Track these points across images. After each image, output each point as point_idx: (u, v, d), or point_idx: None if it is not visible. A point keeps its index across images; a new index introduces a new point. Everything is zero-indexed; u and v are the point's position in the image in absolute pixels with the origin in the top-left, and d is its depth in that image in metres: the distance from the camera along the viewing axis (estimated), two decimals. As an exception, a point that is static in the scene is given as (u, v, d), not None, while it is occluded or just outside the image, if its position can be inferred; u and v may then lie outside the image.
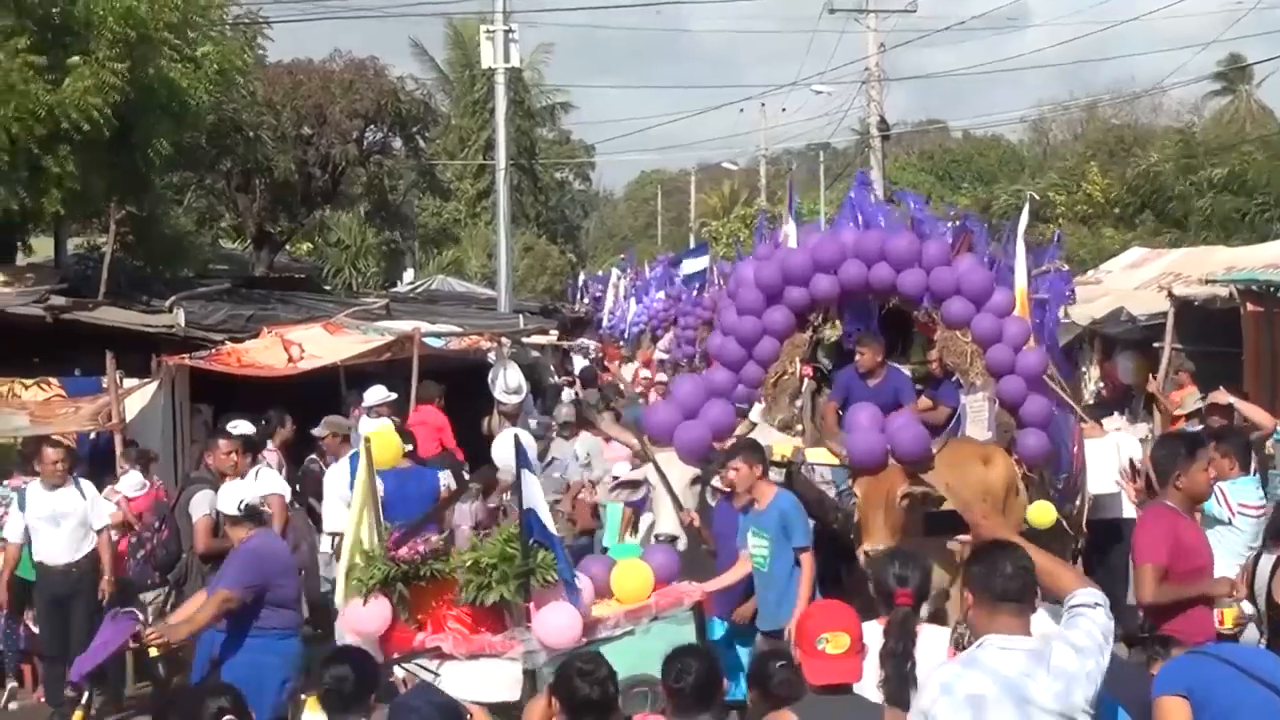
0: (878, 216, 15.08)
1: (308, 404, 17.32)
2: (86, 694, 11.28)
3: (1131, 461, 14.74)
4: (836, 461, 11.79)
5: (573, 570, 9.37)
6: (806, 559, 11.07)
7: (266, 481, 14.14)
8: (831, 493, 12.21)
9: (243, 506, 10.77)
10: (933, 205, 18.15)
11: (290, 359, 18.10)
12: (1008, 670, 5.87)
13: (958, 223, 15.29)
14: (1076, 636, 5.98)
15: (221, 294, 22.98)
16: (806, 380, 13.78)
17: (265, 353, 18.36)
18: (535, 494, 9.51)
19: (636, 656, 7.71)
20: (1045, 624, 6.34)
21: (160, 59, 21.36)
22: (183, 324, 20.15)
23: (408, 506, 12.26)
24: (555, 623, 9.20)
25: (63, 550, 13.72)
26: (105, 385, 15.86)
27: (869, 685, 6.68)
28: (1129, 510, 14.50)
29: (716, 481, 11.92)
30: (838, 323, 14.56)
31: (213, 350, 18.71)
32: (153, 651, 10.31)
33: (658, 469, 12.11)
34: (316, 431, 16.53)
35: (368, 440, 10.53)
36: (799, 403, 13.44)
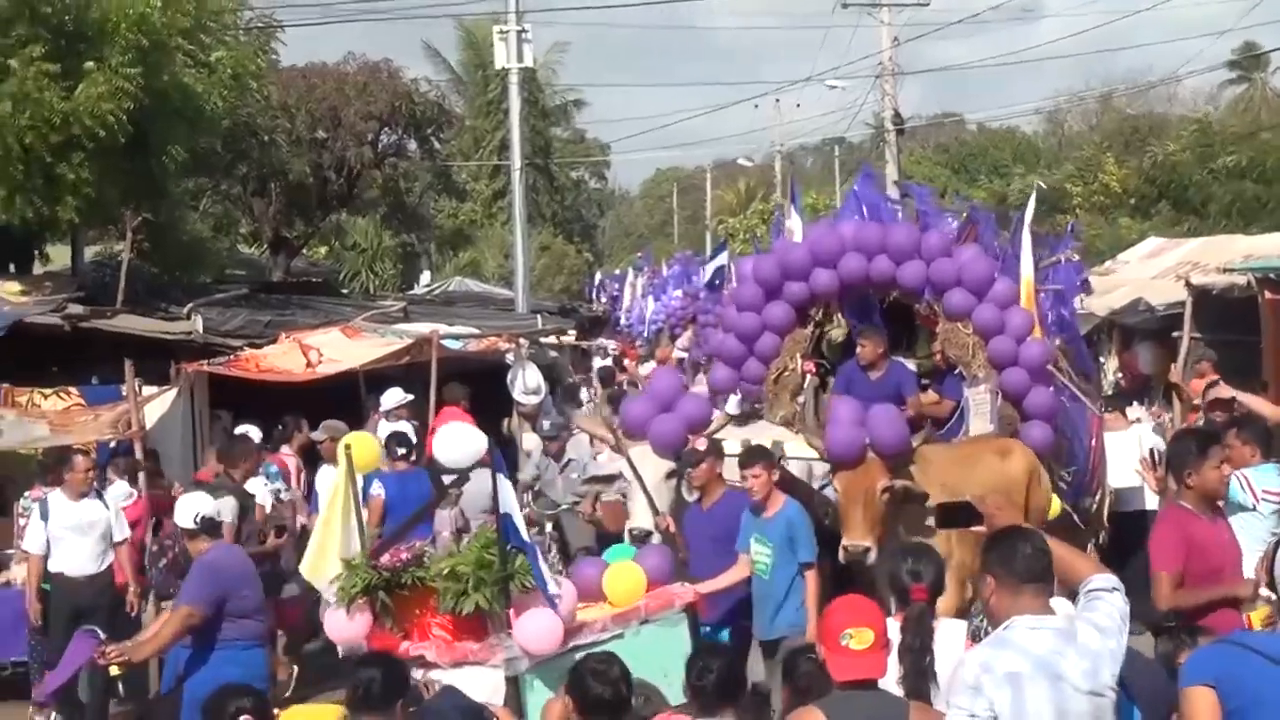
0: (881, 208, 14.96)
1: (327, 408, 17.33)
2: (53, 713, 11.29)
3: (1153, 451, 14.71)
4: (815, 455, 11.56)
5: (544, 577, 9.30)
6: (811, 575, 10.92)
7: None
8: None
9: (199, 519, 10.68)
10: (948, 198, 18.09)
11: (309, 364, 18.09)
12: (1039, 649, 5.90)
13: (964, 214, 15.18)
14: (1098, 617, 6.03)
15: (239, 300, 23.01)
16: (809, 376, 13.70)
17: (284, 358, 18.36)
18: (510, 499, 9.48)
19: (628, 660, 7.69)
20: (1064, 608, 6.35)
21: (174, 65, 21.38)
22: (201, 330, 20.18)
23: (408, 508, 12.29)
24: (535, 629, 9.20)
25: (88, 560, 13.70)
26: (124, 393, 15.87)
27: (890, 681, 6.66)
28: (1152, 502, 14.47)
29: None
30: (842, 319, 14.47)
31: (231, 356, 18.73)
32: (114, 670, 10.26)
33: (630, 464, 12.04)
34: (315, 435, 16.56)
35: (348, 446, 10.49)
36: (801, 399, 13.35)
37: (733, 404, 13.01)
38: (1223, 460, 9.29)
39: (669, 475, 11.96)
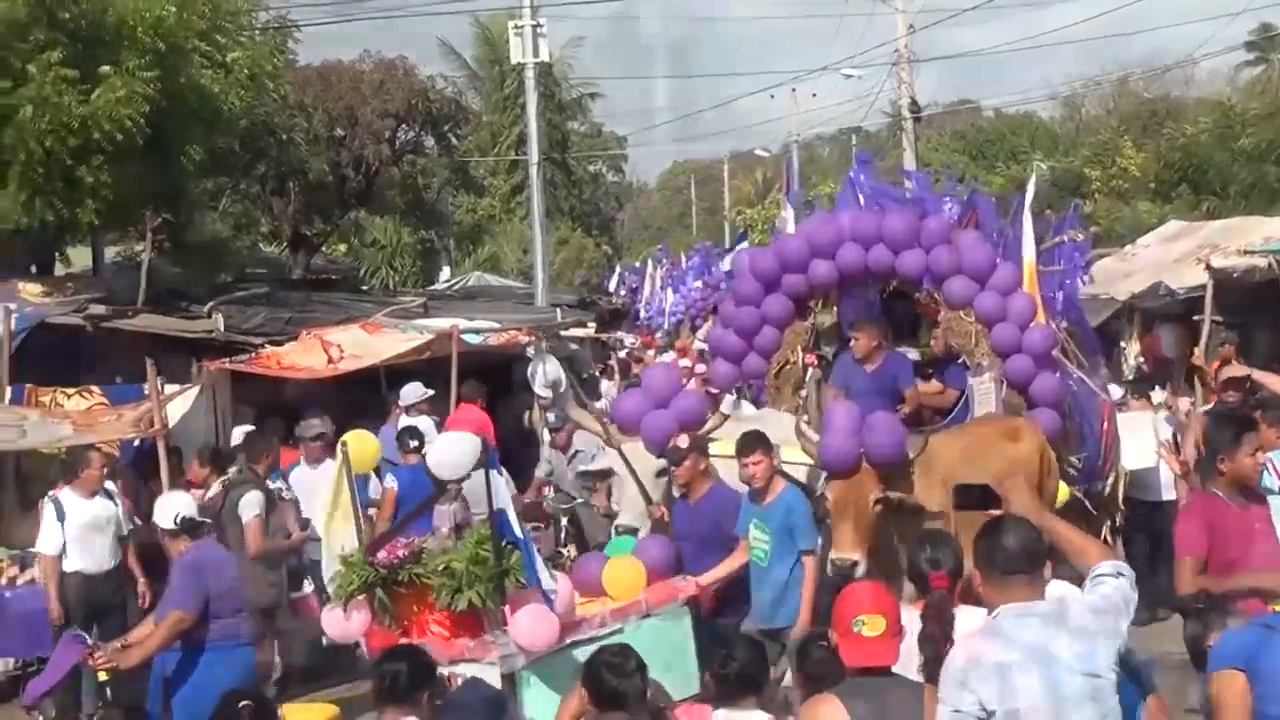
0: (881, 197, 14.84)
1: (350, 404, 17.37)
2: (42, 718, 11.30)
3: (1174, 434, 14.67)
4: (811, 461, 11.21)
5: (539, 573, 9.18)
6: (810, 562, 10.76)
7: None
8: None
9: (179, 520, 10.66)
10: (966, 185, 18.05)
11: (330, 360, 18.15)
12: (1027, 636, 5.88)
13: (964, 198, 15.04)
14: (1094, 600, 6.00)
15: (260, 298, 23.04)
16: (810, 369, 13.58)
17: (305, 355, 18.41)
18: (505, 495, 9.44)
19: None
20: (1055, 591, 6.34)
21: (190, 66, 21.44)
22: (222, 329, 20.21)
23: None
24: (530, 625, 9.09)
25: (105, 557, 13.85)
26: (147, 392, 15.93)
27: (911, 670, 6.68)
28: (1169, 493, 14.45)
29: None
30: (834, 308, 14.37)
31: (252, 354, 18.78)
32: (101, 676, 10.22)
33: (623, 457, 11.95)
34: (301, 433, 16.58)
35: (344, 444, 10.46)
36: (804, 392, 13.22)
37: (728, 404, 12.92)
38: (1258, 448, 9.25)
39: (659, 474, 11.83)
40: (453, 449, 9.91)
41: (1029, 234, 14.07)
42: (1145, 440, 14.83)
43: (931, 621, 6.74)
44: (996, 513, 6.66)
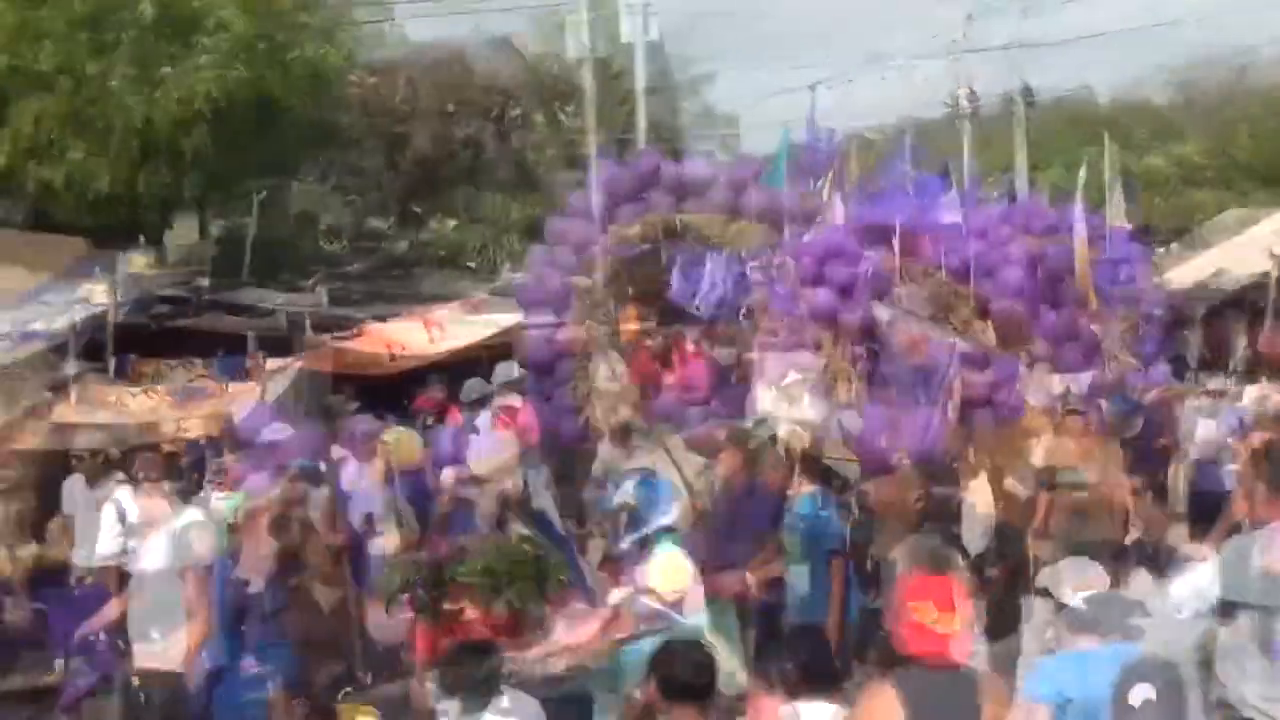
0: (927, 188, 14.76)
1: (452, 384, 17.44)
2: None
3: (1240, 421, 14.56)
4: (855, 460, 11.24)
5: (582, 571, 9.21)
6: (836, 564, 10.63)
7: None
8: None
9: (240, 514, 10.72)
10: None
11: (431, 339, 18.17)
12: (1106, 623, 5.97)
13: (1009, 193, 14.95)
14: (1173, 588, 6.15)
15: (365, 273, 23.07)
16: (860, 362, 13.58)
17: (407, 333, 18.50)
18: (543, 494, 9.45)
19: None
20: (1140, 581, 6.40)
21: (297, 38, 21.48)
22: (325, 303, 20.31)
23: None
24: (572, 624, 9.09)
25: (164, 555, 13.98)
26: (249, 365, 16.01)
27: (974, 660, 6.74)
28: (1230, 483, 14.35)
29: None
30: (878, 303, 14.32)
31: (355, 330, 18.88)
32: (135, 680, 10.38)
33: (668, 453, 11.89)
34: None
35: (385, 443, 10.46)
36: (853, 384, 13.21)
37: (768, 399, 12.92)
38: None
39: (701, 471, 11.78)
40: (488, 454, 9.96)
41: (1081, 223, 14.00)
42: (1208, 429, 14.71)
43: (997, 613, 6.82)
44: (1080, 495, 6.71)
